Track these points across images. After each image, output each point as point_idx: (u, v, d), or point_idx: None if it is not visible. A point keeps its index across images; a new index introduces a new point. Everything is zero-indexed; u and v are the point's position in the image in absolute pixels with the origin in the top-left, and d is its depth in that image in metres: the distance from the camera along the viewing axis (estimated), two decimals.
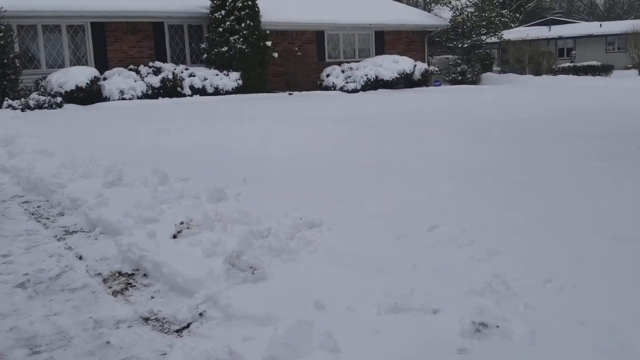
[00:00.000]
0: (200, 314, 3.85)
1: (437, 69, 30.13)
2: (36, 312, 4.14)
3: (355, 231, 5.22)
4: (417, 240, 4.88)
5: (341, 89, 24.09)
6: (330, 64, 25.62)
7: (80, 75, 18.00)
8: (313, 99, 20.90)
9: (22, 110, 16.39)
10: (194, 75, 20.17)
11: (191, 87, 19.91)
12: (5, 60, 17.11)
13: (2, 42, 16.99)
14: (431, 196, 6.37)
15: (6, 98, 16.80)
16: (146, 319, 3.97)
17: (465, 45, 31.82)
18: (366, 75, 24.34)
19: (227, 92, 20.48)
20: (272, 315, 3.57)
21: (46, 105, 16.62)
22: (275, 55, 22.07)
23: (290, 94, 22.09)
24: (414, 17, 29.29)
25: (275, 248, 4.55)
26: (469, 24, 31.32)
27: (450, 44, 32.46)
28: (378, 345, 3.16)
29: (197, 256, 4.58)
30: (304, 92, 22.62)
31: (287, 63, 23.51)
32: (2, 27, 17.12)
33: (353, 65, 25.20)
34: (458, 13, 32.43)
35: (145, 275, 4.72)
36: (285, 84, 23.72)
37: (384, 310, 3.53)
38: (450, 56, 32.63)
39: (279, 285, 4.06)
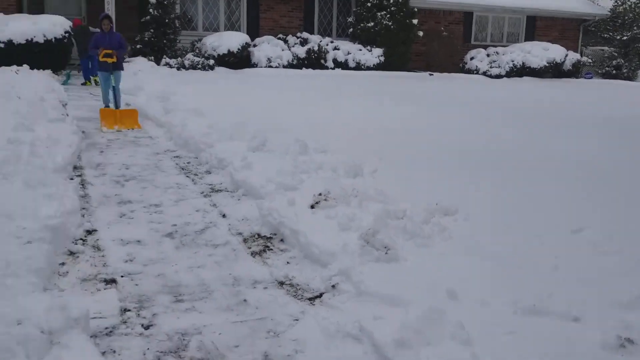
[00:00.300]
0: (333, 286, 3.94)
1: (590, 60, 28.16)
2: (181, 262, 4.45)
3: (493, 222, 5.08)
4: (559, 241, 4.65)
5: (484, 73, 23.26)
6: (475, 46, 24.78)
7: (232, 40, 18.82)
8: (455, 81, 20.39)
9: (178, 69, 17.45)
10: (338, 49, 20.37)
11: (334, 60, 20.14)
12: (167, 20, 18.23)
13: (165, 2, 18.10)
14: (580, 198, 6.03)
15: (164, 56, 17.95)
16: (281, 283, 4.14)
17: (625, 37, 29.41)
18: (512, 61, 23.31)
19: (369, 68, 20.50)
20: (404, 298, 3.58)
21: (199, 66, 17.57)
22: (420, 34, 21.71)
23: (430, 75, 21.69)
24: (571, 3, 27.43)
25: (410, 231, 4.54)
26: (631, 15, 28.89)
27: (606, 35, 30.18)
28: (512, 346, 3.07)
29: (333, 229, 4.68)
30: (444, 74, 22.10)
31: (430, 43, 23.05)
32: None
33: (499, 49, 24.20)
34: (620, 3, 30.01)
35: (282, 240, 4.90)
36: (426, 63, 23.30)
37: (520, 310, 3.42)
38: (605, 48, 30.33)
39: (412, 268, 4.05)
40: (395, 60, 21.18)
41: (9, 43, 14.41)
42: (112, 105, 10.02)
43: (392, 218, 4.77)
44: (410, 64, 22.24)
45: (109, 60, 9.64)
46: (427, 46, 23.23)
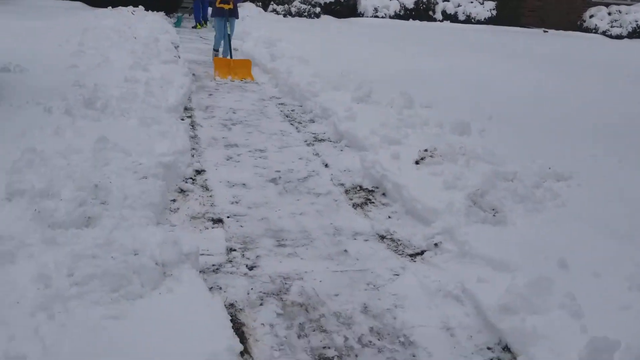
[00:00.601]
0: (436, 245, 3.87)
1: None
2: (284, 208, 4.52)
3: (608, 191, 4.78)
4: None
5: (603, 32, 21.70)
6: (595, 4, 23.07)
7: None
8: (572, 40, 19.18)
9: (284, 16, 17.49)
10: (448, 1, 19.64)
11: (443, 12, 19.48)
12: None
13: None
14: None
15: (272, 2, 18.00)
16: (382, 237, 4.11)
17: None
18: (636, 21, 21.58)
19: (479, 22, 19.67)
20: (510, 263, 3.46)
21: (305, 14, 17.52)
22: None
23: (545, 31, 20.52)
24: None
25: (520, 194, 4.35)
26: None
27: None
28: (626, 322, 2.90)
29: (437, 186, 4.57)
30: (560, 31, 20.84)
31: None
32: None
33: (622, 8, 22.42)
34: None
35: (384, 194, 4.86)
36: (539, 19, 22.02)
37: (637, 286, 3.21)
38: None
39: (520, 233, 3.90)
40: (508, 15, 20.17)
41: None
42: (222, 54, 10.04)
43: (501, 180, 4.59)
44: (524, 19, 21.13)
45: (226, 6, 9.49)
46: (543, 1, 21.92)
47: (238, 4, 9.88)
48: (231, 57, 9.69)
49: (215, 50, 10.20)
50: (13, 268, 2.81)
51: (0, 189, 3.71)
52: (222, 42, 9.96)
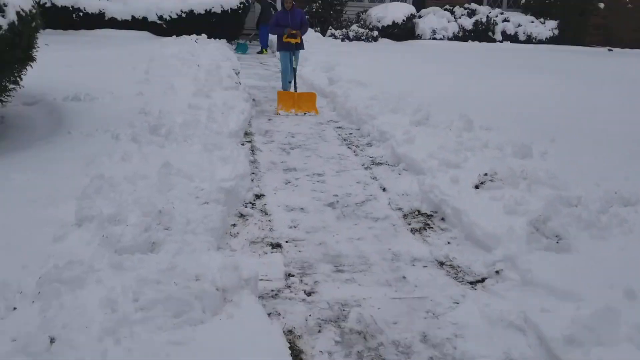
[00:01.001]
0: (497, 272, 3.80)
1: None
2: (342, 232, 4.53)
3: None
4: None
5: None
6: None
7: (398, 11, 18.63)
8: (638, 58, 18.54)
9: (342, 40, 17.66)
10: (508, 21, 19.39)
11: (502, 33, 19.22)
12: None
13: None
14: None
15: (330, 27, 18.24)
16: (441, 263, 4.07)
17: None
18: None
19: (540, 42, 19.30)
20: (575, 292, 3.36)
21: (363, 37, 17.65)
22: (601, 5, 19.98)
23: (610, 50, 19.94)
24: None
25: (585, 220, 4.22)
26: None
27: None
28: None
29: (498, 211, 4.49)
30: (626, 50, 20.18)
31: (612, 16, 21.13)
32: None
33: None
34: None
35: (442, 219, 4.81)
36: (604, 38, 21.43)
37: None
38: None
39: (585, 261, 3.78)
40: (569, 34, 19.72)
41: (190, 13, 15.45)
42: (285, 87, 9.61)
43: (564, 205, 4.47)
44: (587, 38, 20.60)
45: (293, 40, 8.94)
46: (608, 19, 21.34)
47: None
48: (295, 90, 9.17)
49: (285, 89, 9.52)
50: (82, 293, 2.93)
51: (70, 215, 3.88)
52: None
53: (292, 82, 9.27)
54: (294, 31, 8.91)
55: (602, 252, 3.88)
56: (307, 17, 9.17)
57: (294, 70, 9.20)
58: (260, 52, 15.69)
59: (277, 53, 9.71)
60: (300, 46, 9.18)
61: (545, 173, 5.25)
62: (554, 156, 6.09)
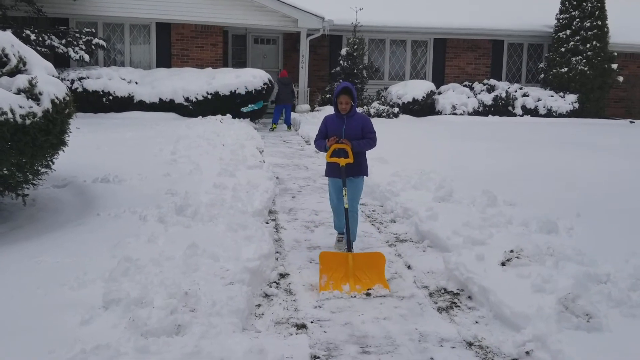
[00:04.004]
0: (527, 353, 3.71)
1: None
2: (367, 312, 4.49)
3: None
4: None
5: None
6: None
7: (417, 88, 19.02)
8: None
9: None
10: (527, 95, 19.63)
11: (522, 107, 19.43)
12: (355, 71, 19.01)
13: (354, 54, 18.92)
14: None
15: None
16: (469, 344, 3.99)
17: None
18: None
19: (560, 115, 19.44)
20: None
21: (384, 114, 17.96)
22: (620, 79, 20.19)
23: (631, 122, 19.98)
24: None
25: (615, 298, 4.14)
26: None
27: None
28: None
29: (526, 289, 4.42)
30: None
31: (632, 88, 21.33)
32: (357, 40, 19.06)
33: None
34: None
35: (469, 297, 4.75)
36: (626, 110, 21.55)
37: None
38: None
39: (617, 340, 3.68)
40: (590, 107, 19.87)
41: (216, 94, 15.95)
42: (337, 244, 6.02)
43: (593, 282, 4.40)
44: (608, 110, 20.72)
45: (343, 161, 5.48)
46: (628, 92, 21.52)
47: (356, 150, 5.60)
48: (350, 247, 5.31)
49: (340, 234, 6.04)
50: None
51: (98, 297, 3.92)
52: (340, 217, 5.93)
53: (346, 232, 5.43)
54: (342, 145, 5.48)
55: (635, 332, 3.78)
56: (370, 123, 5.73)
57: (346, 211, 5.37)
58: (271, 129, 16.00)
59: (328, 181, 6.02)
60: (356, 169, 5.64)
61: (572, 249, 5.21)
62: (581, 231, 6.04)
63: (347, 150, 5.49)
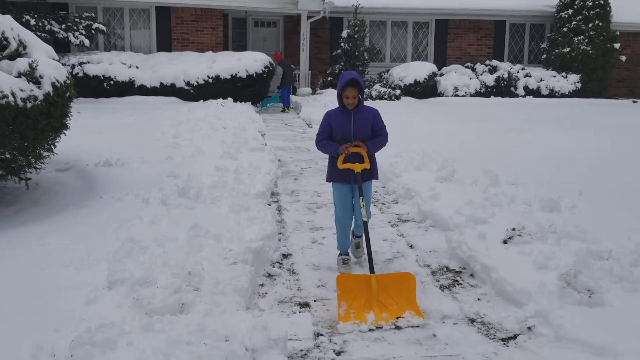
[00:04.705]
0: (529, 328, 3.73)
1: None
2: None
3: None
4: None
5: None
6: None
7: (419, 70, 18.94)
8: None
9: (365, 99, 17.93)
10: (530, 76, 19.55)
11: (525, 88, 19.35)
12: (357, 53, 18.91)
13: (355, 36, 18.82)
14: None
15: None
16: (472, 320, 4.01)
17: None
18: None
19: (563, 95, 19.37)
20: (610, 347, 3.29)
21: (386, 96, 17.90)
22: (623, 58, 20.08)
23: (634, 102, 19.90)
24: None
25: (617, 274, 4.16)
26: None
27: None
28: None
29: (528, 267, 4.44)
30: None
31: (634, 67, 21.22)
32: (358, 22, 18.95)
33: None
34: None
35: (472, 275, 4.77)
36: (628, 90, 21.47)
37: None
38: None
39: (619, 315, 3.70)
40: (592, 87, 19.80)
41: (217, 78, 15.90)
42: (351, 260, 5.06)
43: (595, 258, 4.42)
44: (610, 90, 20.64)
45: (357, 167, 4.68)
46: (631, 71, 21.42)
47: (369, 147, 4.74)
48: (372, 268, 4.33)
49: (344, 254, 5.04)
50: (113, 355, 2.96)
51: (102, 278, 3.95)
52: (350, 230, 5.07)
53: (361, 250, 5.12)
54: (357, 148, 4.66)
55: (637, 306, 3.80)
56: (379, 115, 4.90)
57: (365, 225, 4.53)
58: (283, 111, 16.27)
59: (333, 187, 5.01)
60: (369, 174, 4.85)
61: (574, 227, 5.22)
62: (583, 209, 6.05)
63: (363, 154, 4.68)
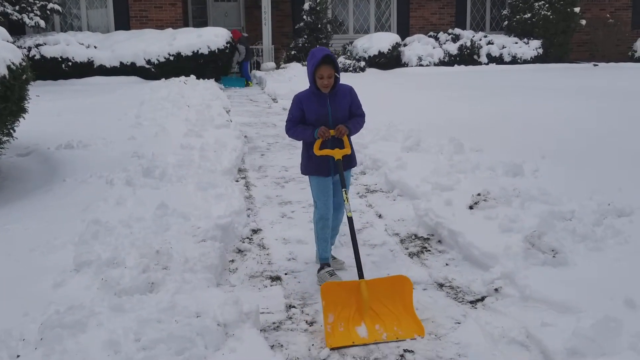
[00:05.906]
0: (496, 290, 3.82)
1: None
2: (341, 259, 4.54)
3: None
4: None
5: None
6: None
7: (383, 41, 18.91)
8: (622, 71, 18.80)
9: None
10: (492, 43, 19.69)
11: (488, 55, 19.50)
12: (320, 25, 18.78)
13: (318, 8, 18.66)
14: None
15: None
16: (440, 285, 4.09)
17: None
18: None
19: (525, 61, 19.60)
20: (574, 305, 3.38)
21: (350, 68, 17.87)
22: (583, 22, 20.35)
23: (595, 65, 20.24)
24: None
25: (580, 233, 4.26)
26: None
27: None
28: None
29: (493, 230, 4.53)
30: (610, 64, 20.49)
31: (594, 31, 21.53)
32: None
33: None
34: None
35: (439, 241, 4.84)
36: (589, 54, 21.81)
37: None
38: None
39: (582, 273, 3.80)
40: (554, 52, 20.06)
41: (178, 55, 15.65)
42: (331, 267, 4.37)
43: (558, 220, 4.52)
44: (572, 54, 20.94)
45: (337, 153, 4.07)
46: (591, 35, 21.72)
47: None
48: (361, 272, 3.74)
49: (327, 265, 4.29)
50: (84, 337, 2.93)
51: (69, 261, 3.90)
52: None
53: (338, 260, 4.53)
54: (334, 131, 4.05)
55: (599, 264, 3.91)
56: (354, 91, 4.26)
57: (350, 221, 4.00)
58: (246, 85, 16.23)
59: (311, 180, 4.34)
60: (350, 161, 4.30)
61: (538, 190, 5.32)
62: (546, 173, 6.15)
63: (343, 141, 4.09)
